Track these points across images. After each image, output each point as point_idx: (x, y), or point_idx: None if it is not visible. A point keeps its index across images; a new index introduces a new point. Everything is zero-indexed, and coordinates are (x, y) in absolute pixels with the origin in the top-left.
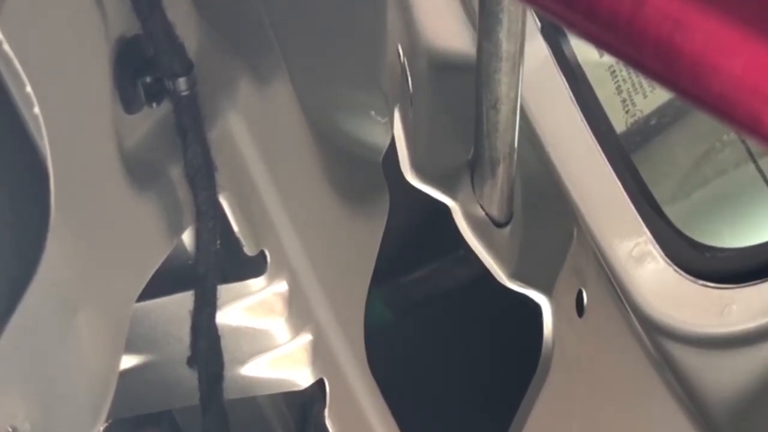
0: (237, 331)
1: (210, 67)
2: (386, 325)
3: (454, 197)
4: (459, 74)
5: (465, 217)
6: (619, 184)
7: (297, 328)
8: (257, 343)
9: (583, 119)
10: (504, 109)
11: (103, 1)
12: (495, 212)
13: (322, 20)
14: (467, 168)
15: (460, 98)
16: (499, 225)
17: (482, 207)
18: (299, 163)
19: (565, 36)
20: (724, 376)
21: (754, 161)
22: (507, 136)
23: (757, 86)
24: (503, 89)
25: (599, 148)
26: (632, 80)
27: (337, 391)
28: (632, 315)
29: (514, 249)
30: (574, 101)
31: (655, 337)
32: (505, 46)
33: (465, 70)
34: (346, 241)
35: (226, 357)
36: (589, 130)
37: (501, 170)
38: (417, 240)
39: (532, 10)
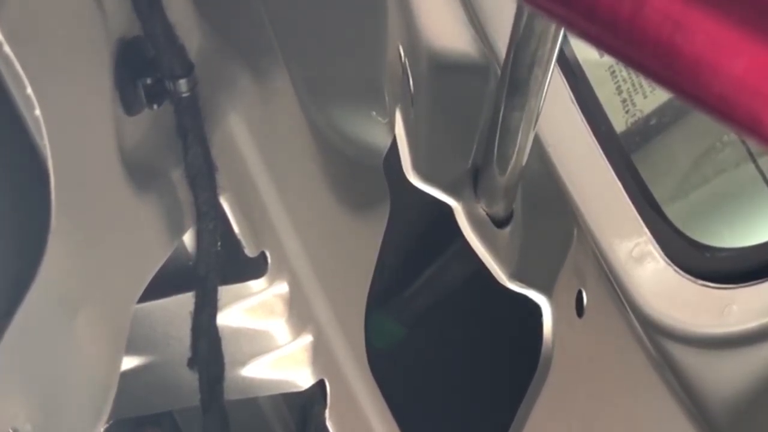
0: (237, 332)
1: (210, 68)
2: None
3: (456, 197)
4: (460, 74)
5: (467, 217)
6: (619, 184)
7: (297, 329)
8: (258, 344)
9: (583, 119)
10: (521, 113)
11: (104, 3)
12: (496, 212)
13: (323, 21)
14: (469, 168)
15: (462, 98)
16: (500, 225)
17: (483, 207)
18: (300, 164)
19: (565, 36)
20: (724, 376)
21: (754, 161)
22: (512, 137)
23: (757, 87)
24: (526, 95)
25: (599, 148)
26: (632, 80)
27: (338, 392)
28: (632, 315)
29: (514, 249)
30: (574, 101)
31: (655, 337)
32: (538, 52)
33: (466, 70)
34: (346, 241)
35: (227, 358)
36: (589, 130)
37: (504, 170)
38: (419, 240)
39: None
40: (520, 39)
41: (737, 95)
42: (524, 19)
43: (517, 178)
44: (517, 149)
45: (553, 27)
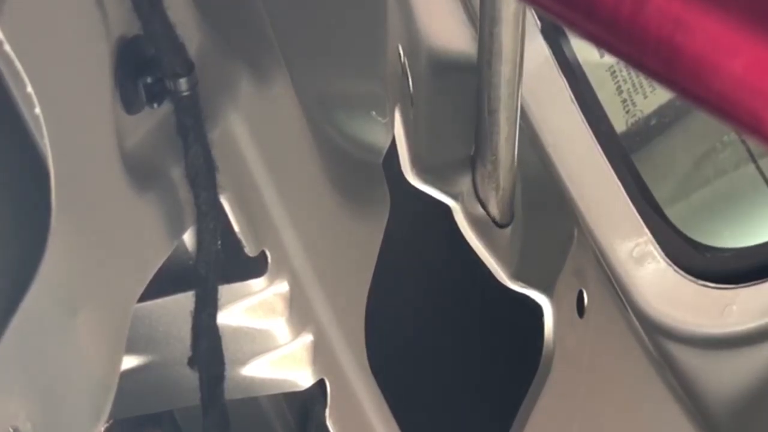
0: (238, 331)
1: (211, 67)
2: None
3: (455, 197)
4: (459, 74)
5: (466, 218)
6: (620, 184)
7: (298, 329)
8: (258, 343)
9: (584, 119)
10: (505, 109)
11: (104, 1)
12: (496, 212)
13: (323, 21)
14: (469, 168)
15: (461, 98)
16: (501, 225)
17: (483, 207)
18: (300, 163)
19: (565, 36)
20: (724, 376)
21: (755, 161)
22: (508, 137)
23: (758, 86)
24: (504, 90)
25: (599, 148)
26: (633, 80)
27: (338, 392)
28: (633, 315)
29: (515, 249)
30: (575, 101)
31: (656, 337)
32: (506, 47)
33: (465, 70)
34: (347, 241)
35: (227, 357)
36: (590, 131)
37: (502, 170)
38: (419, 240)
39: (533, 11)
40: (488, 29)
41: (738, 94)
42: (488, 10)
43: (514, 176)
44: (507, 146)
45: (519, 18)
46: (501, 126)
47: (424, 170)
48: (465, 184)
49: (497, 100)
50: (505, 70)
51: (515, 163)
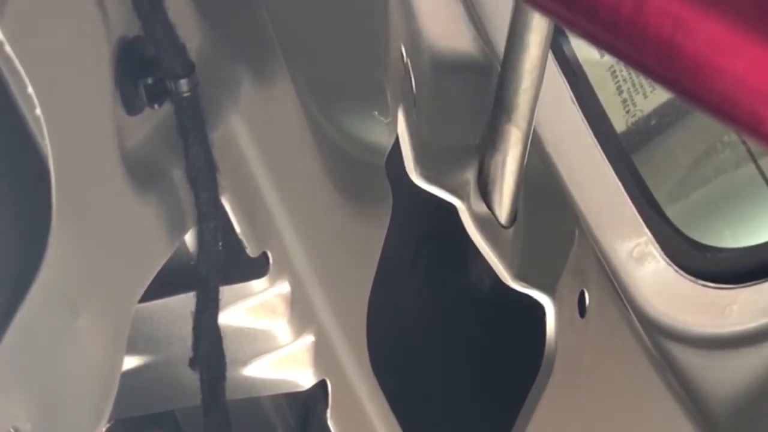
0: (239, 332)
1: (211, 68)
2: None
3: (460, 197)
4: (462, 74)
5: (471, 217)
6: (620, 184)
7: (299, 329)
8: (259, 344)
9: (584, 119)
10: (518, 111)
11: (105, 2)
12: (500, 212)
13: (325, 21)
14: (473, 167)
15: (464, 98)
16: (505, 226)
17: (489, 207)
18: (302, 164)
19: (565, 36)
20: (724, 376)
21: (755, 161)
22: (522, 139)
23: (758, 86)
24: (524, 91)
25: (600, 148)
26: (633, 80)
27: (340, 392)
28: (633, 315)
29: (517, 249)
30: (575, 101)
31: (656, 337)
32: (531, 53)
33: (468, 69)
34: (348, 242)
35: (228, 358)
36: (590, 131)
37: (511, 172)
38: (421, 240)
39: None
40: (515, 36)
41: (738, 94)
42: (519, 15)
43: (519, 176)
44: (516, 147)
45: (546, 22)
46: (515, 127)
47: (428, 170)
48: (469, 183)
49: (516, 100)
50: (528, 71)
51: (523, 163)
